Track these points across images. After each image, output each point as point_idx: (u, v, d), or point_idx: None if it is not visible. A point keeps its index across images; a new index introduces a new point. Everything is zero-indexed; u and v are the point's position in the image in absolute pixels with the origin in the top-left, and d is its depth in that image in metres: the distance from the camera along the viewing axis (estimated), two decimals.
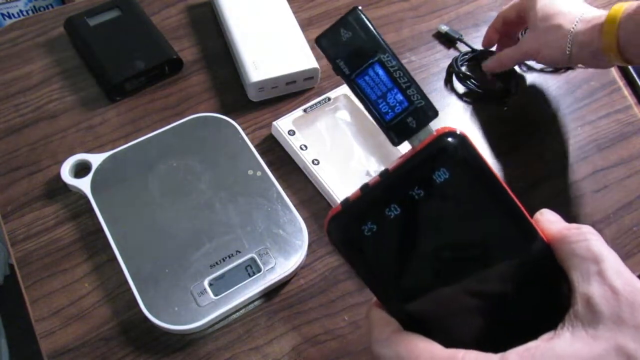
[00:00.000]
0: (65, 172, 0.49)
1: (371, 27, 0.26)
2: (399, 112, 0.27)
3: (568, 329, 0.24)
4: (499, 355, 0.24)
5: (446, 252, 0.26)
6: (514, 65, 0.59)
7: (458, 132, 0.26)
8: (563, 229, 0.27)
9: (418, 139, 0.27)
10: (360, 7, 0.27)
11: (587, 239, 0.26)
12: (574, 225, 0.27)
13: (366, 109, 0.27)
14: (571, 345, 0.23)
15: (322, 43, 0.27)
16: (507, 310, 0.27)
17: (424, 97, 0.27)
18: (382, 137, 0.53)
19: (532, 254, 0.27)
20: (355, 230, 0.25)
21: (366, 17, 0.26)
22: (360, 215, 0.25)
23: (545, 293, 0.27)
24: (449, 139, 0.25)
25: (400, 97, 0.27)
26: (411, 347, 0.25)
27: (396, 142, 0.27)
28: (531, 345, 0.24)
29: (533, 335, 0.25)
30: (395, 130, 0.27)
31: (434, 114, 0.27)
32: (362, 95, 0.27)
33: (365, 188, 0.26)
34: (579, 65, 0.53)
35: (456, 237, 0.26)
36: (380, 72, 0.27)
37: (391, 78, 0.27)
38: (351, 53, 0.27)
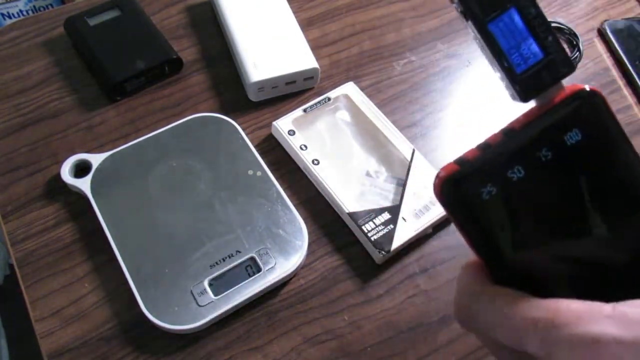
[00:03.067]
0: (65, 172, 0.49)
1: None
2: (532, 64, 0.24)
3: None
4: (610, 307, 0.22)
5: (569, 214, 0.24)
6: None
7: (593, 90, 0.24)
8: None
9: (547, 96, 0.24)
10: None
11: None
12: None
13: (493, 59, 0.25)
14: None
15: None
16: (622, 270, 0.25)
17: (561, 49, 0.24)
18: (382, 137, 0.54)
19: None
20: (473, 193, 0.24)
21: None
22: (480, 177, 0.24)
23: None
24: (584, 97, 0.23)
25: (535, 48, 0.24)
26: (538, 302, 0.23)
27: (525, 98, 0.25)
28: None
29: None
30: (526, 84, 0.24)
31: (571, 68, 0.24)
32: (491, 43, 0.24)
33: (485, 147, 0.24)
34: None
35: (580, 201, 0.24)
36: (517, 18, 0.24)
37: (528, 27, 0.24)
38: None
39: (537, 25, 0.24)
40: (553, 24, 0.63)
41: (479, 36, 0.24)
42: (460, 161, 0.24)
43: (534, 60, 0.24)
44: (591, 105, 0.23)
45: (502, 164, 0.24)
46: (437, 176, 0.25)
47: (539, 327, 0.22)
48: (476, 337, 0.28)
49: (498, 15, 0.24)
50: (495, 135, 0.24)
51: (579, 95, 0.24)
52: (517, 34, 0.24)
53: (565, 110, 0.24)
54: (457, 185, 0.24)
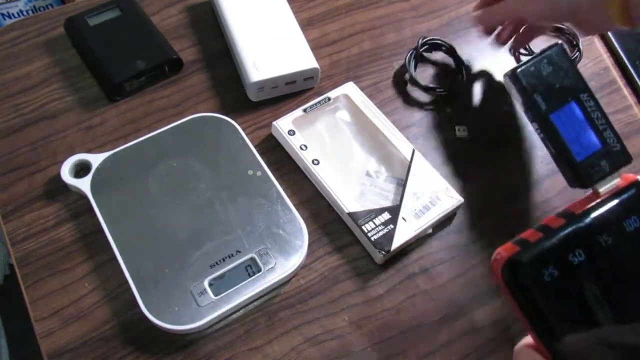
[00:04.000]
0: (65, 172, 0.49)
1: (572, 64, 0.26)
2: (591, 153, 0.26)
3: None
4: None
5: (625, 299, 0.25)
6: (501, 22, 0.58)
7: None
8: None
9: (604, 184, 0.26)
10: (561, 42, 0.26)
11: None
12: None
13: (553, 146, 0.26)
14: None
15: (519, 75, 0.26)
16: None
17: (619, 140, 0.26)
18: (382, 137, 0.53)
19: None
20: (536, 275, 0.24)
21: (567, 53, 0.26)
22: (543, 259, 0.24)
23: None
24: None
25: (594, 139, 0.26)
26: None
27: (584, 184, 0.26)
28: None
29: None
30: (586, 172, 0.26)
31: (628, 158, 0.26)
32: (553, 132, 0.26)
33: (546, 230, 0.25)
34: (569, 24, 0.47)
35: (636, 284, 0.25)
36: (577, 111, 0.26)
37: (588, 119, 0.26)
38: (549, 88, 0.26)
39: (596, 117, 0.26)
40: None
41: (541, 127, 0.26)
42: (520, 242, 0.25)
43: (593, 150, 0.26)
44: None
45: (565, 247, 0.24)
46: (497, 256, 0.25)
47: None
48: None
49: (561, 107, 0.26)
50: (554, 218, 0.25)
51: (636, 184, 0.25)
52: (577, 125, 0.26)
53: (624, 198, 0.25)
54: (520, 267, 0.25)
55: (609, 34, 0.65)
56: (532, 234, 0.25)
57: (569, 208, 0.25)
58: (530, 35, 0.59)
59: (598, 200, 0.25)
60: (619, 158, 0.26)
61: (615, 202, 0.25)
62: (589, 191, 0.26)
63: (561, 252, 0.24)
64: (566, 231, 0.24)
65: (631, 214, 0.24)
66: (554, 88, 0.26)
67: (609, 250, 0.24)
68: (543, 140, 0.27)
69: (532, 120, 0.26)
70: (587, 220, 0.25)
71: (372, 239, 0.47)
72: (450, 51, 0.61)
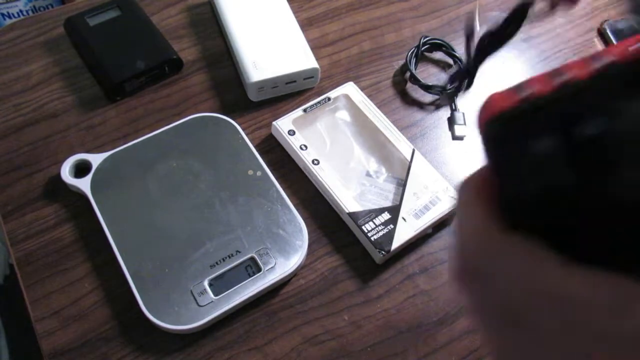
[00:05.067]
0: (65, 172, 0.49)
1: None
2: None
3: None
4: None
5: None
6: None
7: None
8: None
9: None
10: None
11: None
12: None
13: None
14: None
15: None
16: None
17: None
18: (382, 137, 0.53)
19: None
20: (527, 143, 0.17)
21: None
22: (544, 128, 0.17)
23: None
24: None
25: None
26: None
27: None
28: None
29: None
30: None
31: None
32: None
33: (567, 88, 0.17)
34: None
35: None
36: None
37: None
38: None
39: None
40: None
41: None
42: (525, 94, 0.17)
43: None
44: None
45: (579, 116, 0.16)
46: (488, 103, 0.18)
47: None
48: (469, 298, 0.22)
49: None
50: (584, 67, 0.17)
51: None
52: None
53: None
54: (512, 128, 0.17)
55: (609, 33, 0.65)
56: (545, 85, 0.17)
57: (609, 53, 0.17)
58: None
59: None
60: None
61: None
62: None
63: (573, 123, 0.16)
64: (599, 89, 0.16)
65: None
66: None
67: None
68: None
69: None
70: (631, 78, 0.16)
71: (372, 239, 0.47)
72: (450, 51, 0.61)
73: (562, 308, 0.18)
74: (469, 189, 0.21)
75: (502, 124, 0.18)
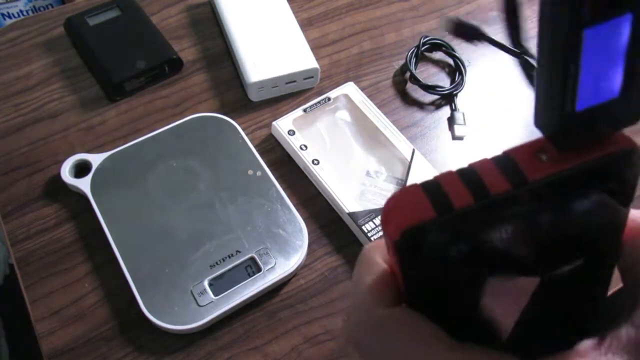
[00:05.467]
0: (65, 172, 0.49)
1: None
2: (598, 103, 0.17)
3: (622, 355, 0.19)
4: None
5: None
6: None
7: (638, 152, 0.18)
8: (638, 216, 0.20)
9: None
10: None
11: None
12: None
13: (549, 77, 0.17)
14: None
15: None
16: (543, 313, 0.21)
17: None
18: (382, 137, 0.54)
19: (602, 257, 0.20)
20: (443, 249, 0.18)
21: None
22: (462, 234, 0.18)
23: (592, 296, 0.21)
24: (629, 161, 0.18)
25: (617, 80, 0.17)
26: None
27: (566, 145, 0.18)
28: (566, 356, 0.19)
29: (565, 344, 0.20)
30: (576, 128, 0.18)
31: (635, 119, 0.18)
32: (571, 56, 0.16)
33: (482, 194, 0.18)
34: None
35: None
36: (625, 35, 0.16)
37: (631, 48, 0.16)
38: None
39: None
40: None
41: (559, 36, 0.16)
42: (439, 201, 0.18)
43: (605, 98, 0.17)
44: (634, 167, 0.18)
45: (495, 223, 0.18)
46: (398, 209, 0.18)
47: None
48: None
49: (608, 20, 0.16)
50: (497, 176, 0.18)
51: (630, 153, 0.18)
52: (610, 54, 0.16)
53: (601, 169, 0.18)
54: (428, 242, 0.18)
55: None
56: (460, 193, 0.17)
57: (522, 163, 0.18)
58: None
59: (567, 169, 0.17)
60: (627, 117, 0.17)
61: (585, 174, 0.18)
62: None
63: (488, 231, 0.18)
64: (507, 208, 0.17)
65: (599, 187, 0.18)
66: None
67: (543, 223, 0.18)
68: (544, 59, 0.17)
69: (551, 23, 0.16)
70: (541, 197, 0.17)
71: (372, 239, 0.47)
72: (450, 51, 0.61)
73: None
74: (367, 261, 0.22)
75: (419, 237, 0.18)
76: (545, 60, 0.17)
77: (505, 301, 0.21)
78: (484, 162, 0.18)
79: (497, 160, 0.18)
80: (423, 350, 0.19)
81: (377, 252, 0.21)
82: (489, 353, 0.19)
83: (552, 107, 0.18)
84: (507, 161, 0.18)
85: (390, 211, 0.19)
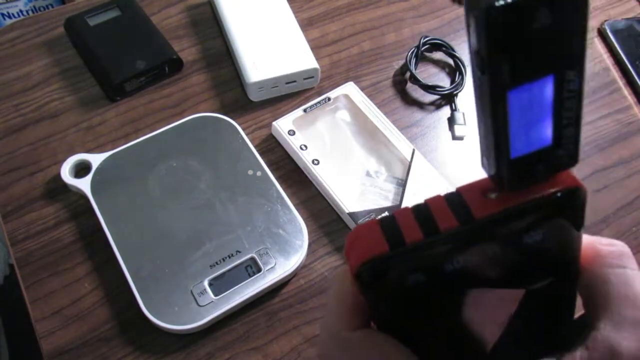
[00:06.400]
0: (65, 172, 0.49)
1: (584, 22, 0.17)
2: (532, 151, 0.19)
3: None
4: None
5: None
6: None
7: (581, 190, 0.20)
8: (595, 242, 0.22)
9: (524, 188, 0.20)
10: None
11: (624, 266, 0.21)
12: (606, 240, 0.22)
13: (488, 129, 0.19)
14: None
15: (498, 17, 0.16)
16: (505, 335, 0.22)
17: (576, 141, 0.19)
18: (382, 137, 0.53)
19: (563, 279, 0.22)
20: (400, 280, 0.20)
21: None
22: (415, 266, 0.20)
23: (550, 317, 0.23)
24: (571, 199, 0.20)
25: (547, 132, 0.18)
26: None
27: (507, 187, 0.19)
28: None
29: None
30: (514, 173, 0.19)
31: (574, 162, 0.19)
32: (498, 116, 0.18)
33: (431, 231, 0.20)
34: None
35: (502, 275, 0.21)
36: (548, 91, 0.18)
37: (556, 106, 0.18)
38: (531, 51, 0.17)
39: (568, 107, 0.18)
40: None
41: (484, 101, 0.18)
42: (392, 237, 0.20)
43: (538, 147, 0.19)
44: (576, 209, 0.20)
45: (445, 257, 0.20)
46: (357, 246, 0.20)
47: None
48: None
49: (528, 81, 0.18)
50: (447, 213, 0.20)
51: (568, 195, 0.19)
52: (537, 111, 0.18)
53: (543, 210, 0.20)
54: (384, 274, 0.20)
55: (609, 33, 0.65)
56: (411, 230, 0.19)
57: (470, 201, 0.20)
58: None
59: (509, 208, 0.19)
60: (563, 161, 0.19)
61: (528, 210, 0.19)
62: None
63: (440, 259, 0.20)
64: (454, 242, 0.19)
65: (540, 227, 0.20)
66: (539, 52, 0.17)
67: (492, 260, 0.20)
68: (478, 114, 0.19)
69: (479, 87, 0.18)
70: (486, 232, 0.19)
71: None
72: (450, 51, 0.61)
73: None
74: (337, 284, 0.23)
75: (375, 269, 0.20)
76: (478, 115, 0.19)
77: (487, 311, 0.22)
78: (436, 199, 0.20)
79: (448, 197, 0.20)
80: None
81: (347, 276, 0.22)
82: None
83: (489, 155, 0.19)
84: (457, 198, 0.20)
85: (350, 245, 0.21)
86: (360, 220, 0.48)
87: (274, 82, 0.55)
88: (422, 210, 0.20)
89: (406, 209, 0.20)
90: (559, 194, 0.20)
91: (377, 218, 0.21)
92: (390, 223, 0.20)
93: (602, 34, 0.66)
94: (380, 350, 0.21)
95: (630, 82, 0.63)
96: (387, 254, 0.20)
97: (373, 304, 0.21)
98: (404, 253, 0.20)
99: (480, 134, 0.20)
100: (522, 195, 0.20)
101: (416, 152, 0.52)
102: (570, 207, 0.20)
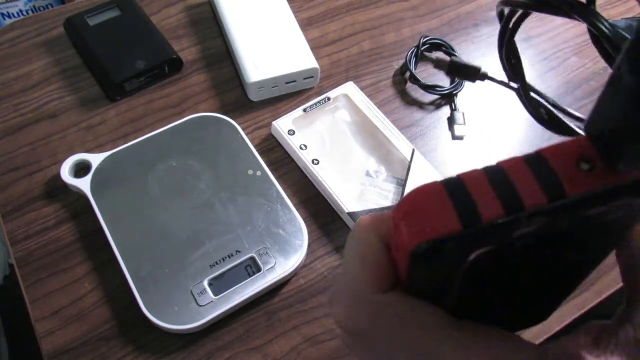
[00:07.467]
0: (65, 172, 0.49)
1: None
2: None
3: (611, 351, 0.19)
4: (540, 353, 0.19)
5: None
6: None
7: None
8: None
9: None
10: None
11: None
12: None
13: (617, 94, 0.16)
14: None
15: None
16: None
17: None
18: (382, 137, 0.54)
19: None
20: (464, 259, 0.17)
21: None
22: (485, 243, 0.17)
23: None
24: None
25: None
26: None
27: (616, 162, 0.17)
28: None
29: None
30: (634, 149, 0.16)
31: None
32: None
33: (515, 207, 0.16)
34: None
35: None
36: None
37: None
38: None
39: None
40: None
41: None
42: (466, 213, 0.17)
43: None
44: None
45: (523, 236, 0.17)
46: (417, 221, 0.17)
47: None
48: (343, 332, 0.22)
49: None
50: (535, 187, 0.17)
51: None
52: None
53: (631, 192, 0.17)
54: (450, 253, 0.17)
55: None
56: (490, 204, 0.16)
57: (559, 173, 0.17)
58: None
59: (598, 185, 0.16)
60: None
61: (626, 193, 0.17)
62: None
63: (514, 239, 0.17)
64: (540, 222, 0.16)
65: (620, 209, 0.17)
66: None
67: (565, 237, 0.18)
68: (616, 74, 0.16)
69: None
70: (577, 211, 0.16)
71: None
72: (450, 51, 0.61)
73: None
74: (360, 242, 0.21)
75: (437, 248, 0.17)
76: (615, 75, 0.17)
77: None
78: (516, 165, 0.17)
79: (530, 162, 0.17)
80: (428, 334, 0.19)
81: (371, 231, 0.20)
82: (499, 333, 0.19)
83: (612, 118, 0.17)
84: (544, 166, 0.17)
85: (408, 211, 0.18)
86: None
87: (274, 82, 0.55)
88: (501, 179, 0.17)
89: (478, 172, 0.18)
90: None
91: (440, 181, 0.18)
92: (461, 192, 0.17)
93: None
94: (419, 314, 0.19)
95: None
96: (459, 233, 0.16)
97: (415, 277, 0.19)
98: (479, 233, 0.16)
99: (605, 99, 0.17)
100: (616, 173, 0.17)
101: (416, 152, 0.52)
102: None
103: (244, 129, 0.53)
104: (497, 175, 0.17)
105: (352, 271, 0.21)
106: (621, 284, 0.22)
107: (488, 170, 0.17)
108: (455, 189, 0.17)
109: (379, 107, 0.55)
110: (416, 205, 0.17)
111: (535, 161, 0.17)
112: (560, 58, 0.63)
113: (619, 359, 0.19)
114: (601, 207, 0.17)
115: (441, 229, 0.17)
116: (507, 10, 0.47)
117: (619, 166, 0.17)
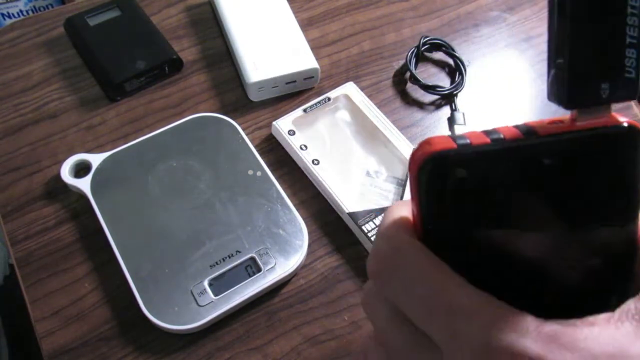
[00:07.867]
0: (65, 172, 0.49)
1: None
2: (596, 67, 0.21)
3: (631, 322, 0.19)
4: (537, 322, 0.19)
5: (542, 217, 0.22)
6: None
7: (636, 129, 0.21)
8: None
9: (589, 113, 0.21)
10: None
11: None
12: None
13: (567, 44, 0.20)
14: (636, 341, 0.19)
15: None
16: (561, 276, 0.22)
17: (638, 68, 0.20)
18: (382, 137, 0.54)
19: (627, 227, 0.22)
20: (464, 180, 0.21)
21: None
22: (473, 167, 0.21)
23: (613, 268, 0.23)
24: (625, 134, 0.21)
25: (618, 51, 0.20)
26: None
27: (568, 101, 0.21)
28: (577, 322, 0.19)
29: (580, 310, 0.21)
30: (577, 88, 0.21)
31: (634, 94, 0.21)
32: (618, 28, 0.20)
33: (496, 139, 0.21)
34: None
35: (559, 208, 0.22)
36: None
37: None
38: None
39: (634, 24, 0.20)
40: None
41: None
42: (461, 141, 0.21)
43: (602, 66, 0.20)
44: (627, 145, 0.21)
45: (505, 163, 0.21)
46: (423, 147, 0.21)
47: (460, 314, 0.19)
48: (365, 297, 0.24)
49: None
50: (512, 128, 0.21)
51: (620, 129, 0.21)
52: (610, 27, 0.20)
53: (597, 139, 0.21)
54: (445, 165, 0.21)
55: None
56: (478, 137, 0.21)
57: (535, 125, 0.21)
58: None
59: (570, 129, 0.21)
60: (626, 89, 0.21)
61: (589, 136, 0.21)
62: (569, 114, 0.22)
63: (502, 163, 0.21)
64: (515, 145, 0.21)
65: (598, 155, 0.21)
66: None
67: (546, 171, 0.21)
68: (551, 17, 0.20)
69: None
70: (544, 145, 0.21)
71: (372, 239, 0.47)
72: (450, 51, 0.61)
73: (449, 318, 0.20)
74: (393, 207, 0.23)
75: (440, 164, 0.21)
76: (550, 18, 0.21)
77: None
78: (507, 127, 0.22)
79: (518, 126, 0.22)
80: (442, 278, 0.20)
81: (404, 205, 0.23)
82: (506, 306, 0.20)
83: (562, 76, 0.21)
84: (523, 125, 0.21)
85: (416, 150, 0.22)
86: (360, 220, 0.48)
87: (274, 82, 0.55)
88: (491, 130, 0.22)
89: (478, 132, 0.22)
90: (625, 124, 0.21)
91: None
92: (460, 136, 0.21)
93: None
94: (436, 260, 0.21)
95: None
96: (455, 149, 0.21)
97: (425, 209, 0.22)
98: (470, 150, 0.21)
99: (549, 69, 0.21)
100: (586, 125, 0.21)
101: None
102: (631, 145, 0.21)
103: (244, 129, 0.53)
104: (490, 130, 0.21)
105: (382, 223, 0.23)
106: None
107: (484, 130, 0.22)
108: (456, 137, 0.21)
109: (379, 107, 0.55)
110: (422, 144, 0.22)
111: (522, 125, 0.22)
112: None
113: None
114: (572, 148, 0.21)
115: (440, 147, 0.21)
116: None
117: (566, 102, 0.21)
